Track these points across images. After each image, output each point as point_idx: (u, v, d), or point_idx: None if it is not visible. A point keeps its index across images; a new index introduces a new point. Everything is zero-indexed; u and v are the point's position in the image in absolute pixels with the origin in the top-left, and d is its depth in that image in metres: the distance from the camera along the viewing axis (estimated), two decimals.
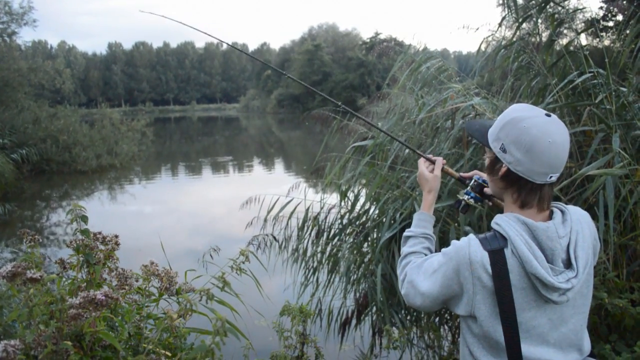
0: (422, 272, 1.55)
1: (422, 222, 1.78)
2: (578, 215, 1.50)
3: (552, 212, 1.49)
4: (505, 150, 1.45)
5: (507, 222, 1.44)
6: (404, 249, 1.74)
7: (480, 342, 1.47)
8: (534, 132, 1.39)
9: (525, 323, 1.40)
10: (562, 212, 1.48)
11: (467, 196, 1.81)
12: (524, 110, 1.45)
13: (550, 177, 1.42)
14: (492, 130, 1.51)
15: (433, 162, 1.91)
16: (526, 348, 1.40)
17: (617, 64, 3.71)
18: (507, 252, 1.40)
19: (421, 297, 1.53)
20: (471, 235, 1.47)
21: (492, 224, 1.49)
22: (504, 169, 1.47)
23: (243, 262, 2.19)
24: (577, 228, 1.45)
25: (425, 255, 1.67)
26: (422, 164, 1.91)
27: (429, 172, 1.87)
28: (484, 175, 1.81)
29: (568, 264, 1.42)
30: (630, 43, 3.68)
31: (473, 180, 1.82)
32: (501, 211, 1.57)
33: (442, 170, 1.90)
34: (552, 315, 1.43)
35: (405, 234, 1.78)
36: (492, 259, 1.39)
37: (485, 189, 1.79)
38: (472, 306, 1.43)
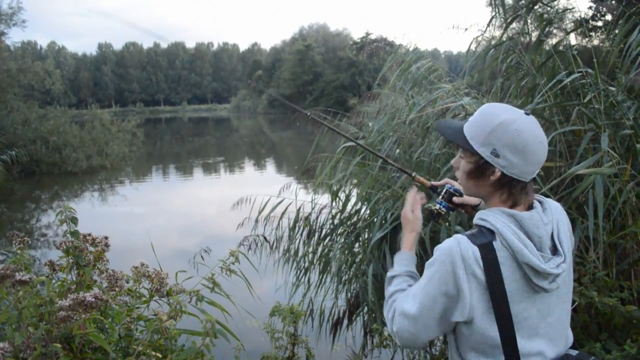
0: (410, 296, 1.51)
1: (405, 261, 1.74)
2: (555, 205, 1.54)
3: (531, 204, 1.51)
4: (498, 155, 1.43)
5: (493, 216, 1.45)
6: (390, 289, 1.67)
7: (471, 344, 1.46)
8: (526, 135, 1.40)
9: (517, 315, 1.40)
10: (541, 202, 1.51)
11: (438, 205, 1.83)
12: (508, 112, 1.45)
13: (536, 172, 1.47)
14: (477, 134, 1.48)
15: (428, 186, 1.90)
16: (519, 341, 1.40)
17: (606, 64, 3.73)
18: (496, 244, 1.40)
19: (413, 322, 1.47)
20: (457, 235, 1.47)
21: (476, 220, 1.49)
22: (498, 174, 1.46)
23: (233, 263, 2.19)
24: (556, 216, 1.49)
25: None
26: (410, 199, 1.86)
27: (411, 213, 1.82)
28: (456, 184, 1.82)
29: (554, 251, 1.45)
30: (619, 42, 3.71)
31: (444, 190, 1.83)
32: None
33: (414, 179, 1.91)
34: (540, 306, 1.44)
35: (389, 274, 1.73)
36: (482, 252, 1.39)
37: (455, 198, 1.81)
38: (470, 307, 1.40)
